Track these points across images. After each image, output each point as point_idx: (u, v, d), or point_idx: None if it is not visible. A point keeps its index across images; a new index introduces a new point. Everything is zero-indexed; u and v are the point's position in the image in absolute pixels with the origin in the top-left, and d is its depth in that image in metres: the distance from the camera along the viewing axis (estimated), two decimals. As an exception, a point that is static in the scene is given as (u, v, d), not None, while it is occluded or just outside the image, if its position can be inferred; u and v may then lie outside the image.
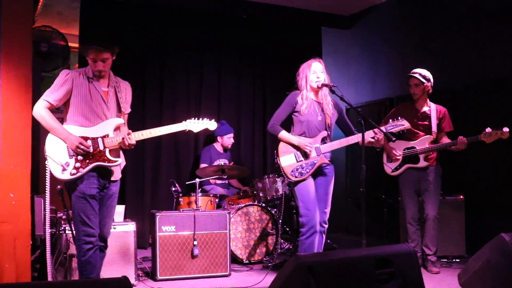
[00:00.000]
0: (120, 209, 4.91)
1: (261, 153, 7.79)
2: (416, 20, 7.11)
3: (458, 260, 5.68)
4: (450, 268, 5.37)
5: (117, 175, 3.95)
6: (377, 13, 7.74)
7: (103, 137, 3.79)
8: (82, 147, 3.68)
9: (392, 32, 7.53)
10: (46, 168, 3.73)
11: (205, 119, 4.18)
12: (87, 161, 3.72)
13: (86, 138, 3.74)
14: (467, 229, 5.78)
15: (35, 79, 4.54)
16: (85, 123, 3.80)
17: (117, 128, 3.90)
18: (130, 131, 3.90)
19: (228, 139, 6.91)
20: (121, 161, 3.90)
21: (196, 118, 4.14)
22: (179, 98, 7.25)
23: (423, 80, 5.23)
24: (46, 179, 3.79)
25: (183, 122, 4.07)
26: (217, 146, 6.94)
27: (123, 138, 3.80)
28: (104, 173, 3.83)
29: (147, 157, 6.93)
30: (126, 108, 4.06)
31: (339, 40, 8.53)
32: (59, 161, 3.67)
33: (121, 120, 3.90)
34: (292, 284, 2.96)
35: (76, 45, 6.87)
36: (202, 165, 6.74)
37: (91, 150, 3.73)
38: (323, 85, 4.42)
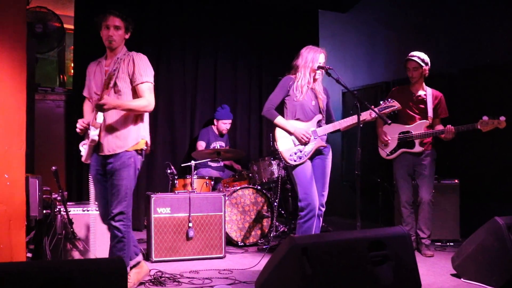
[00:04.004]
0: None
1: (257, 137, 7.78)
2: (413, 4, 7.08)
3: (452, 243, 5.71)
4: (444, 252, 5.39)
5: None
6: (374, -4, 7.71)
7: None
8: None
9: (389, 15, 7.50)
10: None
11: None
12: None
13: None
14: (461, 213, 5.81)
15: (29, 60, 4.51)
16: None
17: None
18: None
19: (223, 125, 6.88)
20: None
21: None
22: (175, 82, 7.20)
23: (422, 64, 5.21)
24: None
25: None
26: (215, 129, 6.93)
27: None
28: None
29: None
30: (135, 79, 4.01)
31: (336, 23, 8.49)
32: None
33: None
34: (287, 265, 2.98)
35: (72, 26, 6.81)
36: (200, 142, 6.74)
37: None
38: (319, 67, 4.40)
